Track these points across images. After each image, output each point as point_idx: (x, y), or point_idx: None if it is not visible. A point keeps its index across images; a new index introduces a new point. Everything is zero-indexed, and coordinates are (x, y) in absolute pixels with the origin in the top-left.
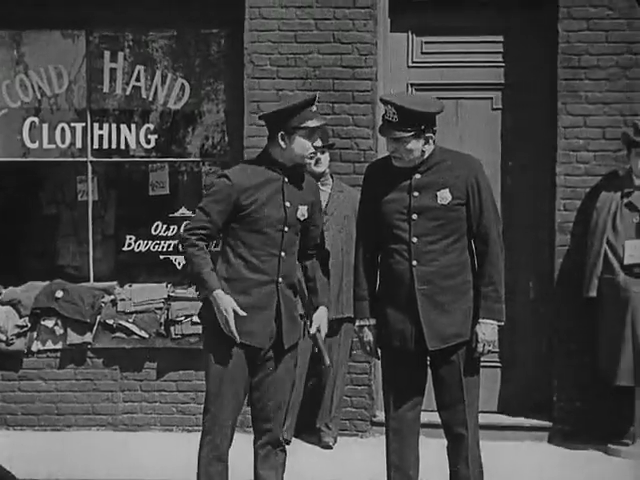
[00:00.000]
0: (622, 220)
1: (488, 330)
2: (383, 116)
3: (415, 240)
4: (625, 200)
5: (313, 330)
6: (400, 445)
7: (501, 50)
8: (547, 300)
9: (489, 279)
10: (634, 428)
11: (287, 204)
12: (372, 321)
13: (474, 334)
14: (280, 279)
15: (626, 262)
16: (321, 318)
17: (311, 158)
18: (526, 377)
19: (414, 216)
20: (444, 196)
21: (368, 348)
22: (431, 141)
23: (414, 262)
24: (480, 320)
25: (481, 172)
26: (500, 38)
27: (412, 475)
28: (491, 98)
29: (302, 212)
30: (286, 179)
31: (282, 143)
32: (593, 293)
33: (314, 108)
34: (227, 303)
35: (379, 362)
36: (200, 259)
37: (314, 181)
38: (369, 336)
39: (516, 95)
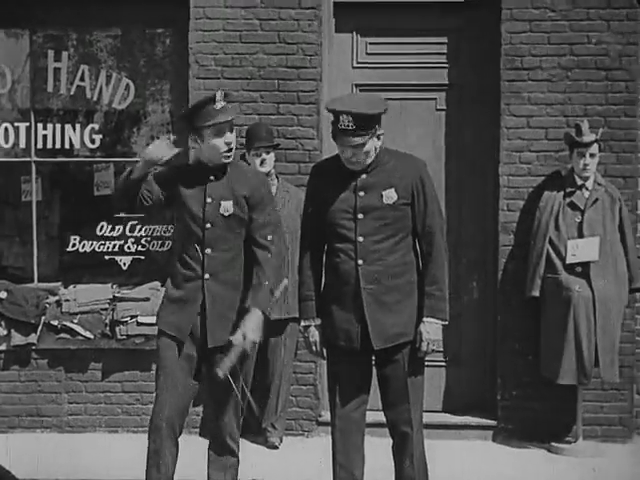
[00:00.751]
0: (564, 219)
1: (432, 329)
2: (335, 124)
3: (361, 239)
4: (567, 200)
5: (236, 336)
6: (346, 444)
7: (445, 51)
8: (491, 299)
9: (433, 279)
10: (577, 426)
11: (208, 200)
12: (317, 321)
13: (418, 333)
14: (207, 275)
15: (568, 261)
16: (247, 322)
17: (228, 153)
18: (470, 376)
19: (360, 215)
20: (390, 195)
21: (314, 348)
22: (382, 137)
23: (360, 261)
24: (424, 319)
25: (425, 172)
26: (444, 39)
27: (357, 474)
28: (435, 99)
29: (225, 207)
30: (212, 177)
31: (194, 144)
32: (536, 292)
33: (218, 105)
34: None
35: (325, 362)
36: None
37: (259, 176)
38: (315, 336)
39: (460, 96)
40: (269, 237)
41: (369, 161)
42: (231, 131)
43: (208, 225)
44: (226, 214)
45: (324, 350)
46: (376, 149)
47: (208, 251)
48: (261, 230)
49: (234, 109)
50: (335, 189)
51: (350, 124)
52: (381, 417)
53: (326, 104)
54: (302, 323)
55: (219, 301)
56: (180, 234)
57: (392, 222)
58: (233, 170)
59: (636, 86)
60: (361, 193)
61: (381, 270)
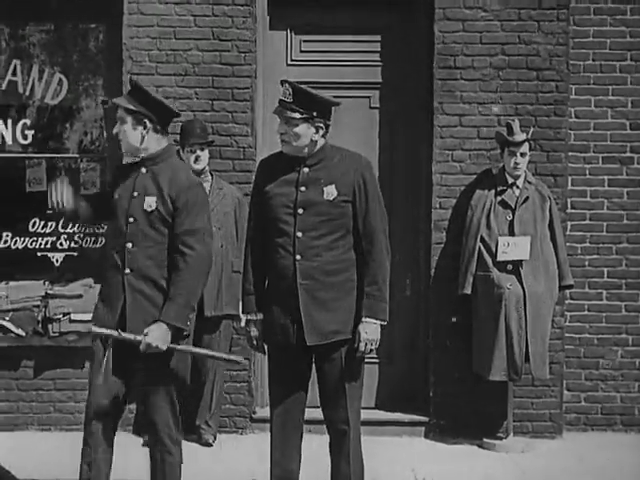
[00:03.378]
0: (495, 217)
1: (371, 329)
2: (280, 99)
3: (300, 235)
4: (498, 198)
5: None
6: (283, 441)
7: (378, 49)
8: (424, 297)
9: (373, 278)
10: (507, 422)
11: (135, 194)
12: (259, 316)
13: (357, 333)
14: (127, 270)
15: (499, 259)
16: (149, 332)
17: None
18: (403, 373)
19: (300, 210)
20: (330, 191)
21: (254, 342)
22: (321, 132)
23: (298, 257)
24: (363, 319)
25: (369, 171)
26: (377, 38)
27: (293, 471)
28: (369, 97)
29: (149, 203)
30: (143, 170)
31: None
32: (468, 290)
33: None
34: None
35: (259, 358)
36: None
37: (190, 179)
38: (255, 331)
39: (393, 94)
40: (192, 245)
41: (302, 149)
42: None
43: (131, 219)
44: (149, 209)
45: (265, 346)
46: (313, 142)
47: (129, 246)
48: (183, 237)
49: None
50: (278, 184)
51: (289, 97)
52: (319, 414)
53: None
54: (244, 317)
55: (139, 297)
56: (109, 228)
57: (332, 219)
58: (166, 167)
59: (566, 86)
60: (302, 188)
61: (318, 266)
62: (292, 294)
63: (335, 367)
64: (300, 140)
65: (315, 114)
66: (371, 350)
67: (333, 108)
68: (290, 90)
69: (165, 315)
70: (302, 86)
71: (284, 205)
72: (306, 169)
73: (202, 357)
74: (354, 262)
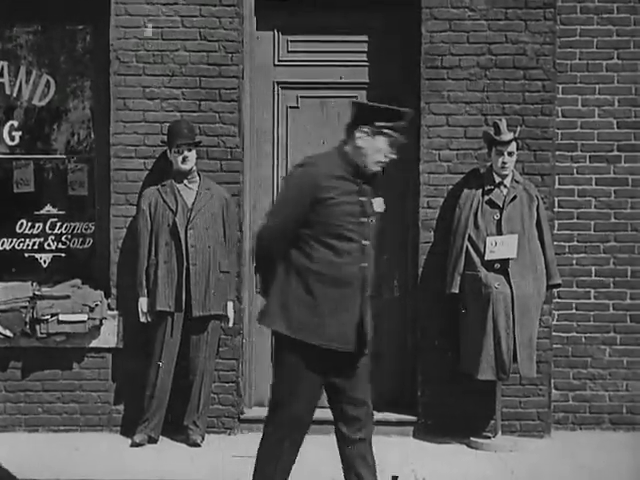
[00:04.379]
0: (483, 217)
1: None
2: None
3: (367, 243)
4: (486, 197)
5: None
6: (297, 443)
7: (365, 49)
8: (411, 296)
9: None
10: (495, 421)
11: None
12: None
13: None
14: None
15: (487, 258)
16: None
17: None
18: (391, 372)
19: (368, 219)
20: (379, 204)
21: None
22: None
23: (365, 264)
24: None
25: None
26: (364, 38)
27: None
28: (356, 97)
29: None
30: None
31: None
32: (455, 289)
33: None
34: None
35: (247, 359)
36: None
37: None
38: None
39: (380, 94)
40: None
41: None
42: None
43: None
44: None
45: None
46: None
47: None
48: None
49: None
50: (341, 192)
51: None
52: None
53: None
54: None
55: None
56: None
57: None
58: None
59: (553, 85)
60: (364, 199)
61: (371, 275)
62: (357, 301)
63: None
64: None
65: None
66: None
67: None
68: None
69: None
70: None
71: (350, 214)
72: (363, 182)
73: None
74: None
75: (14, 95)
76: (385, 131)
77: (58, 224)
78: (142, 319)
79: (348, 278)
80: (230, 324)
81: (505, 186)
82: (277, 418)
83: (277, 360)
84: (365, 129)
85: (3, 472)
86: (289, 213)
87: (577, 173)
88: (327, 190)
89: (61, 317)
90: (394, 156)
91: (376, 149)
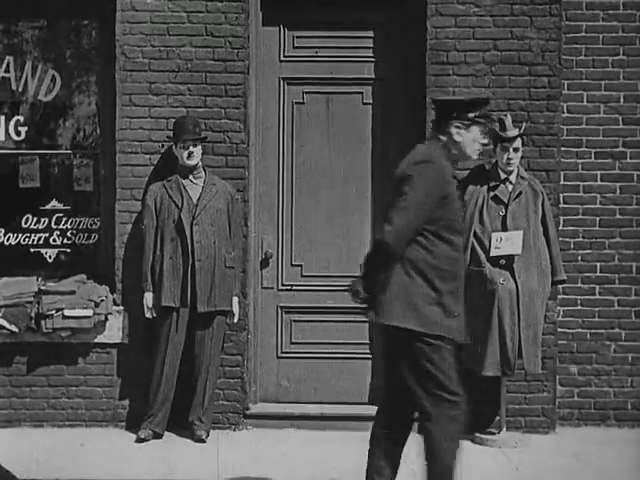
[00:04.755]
0: (488, 213)
1: None
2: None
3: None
4: (491, 193)
5: None
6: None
7: (371, 45)
8: None
9: None
10: (500, 417)
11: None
12: None
13: None
14: None
15: (492, 254)
16: None
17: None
18: None
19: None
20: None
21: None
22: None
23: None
24: None
25: None
26: (370, 34)
27: None
28: (361, 93)
29: None
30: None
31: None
32: None
33: None
34: None
35: (252, 355)
36: None
37: None
38: None
39: (386, 90)
40: None
41: None
42: None
43: None
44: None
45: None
46: None
47: None
48: None
49: None
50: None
51: None
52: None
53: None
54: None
55: None
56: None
57: None
58: None
59: (558, 81)
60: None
61: None
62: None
63: None
64: None
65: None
66: None
67: None
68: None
69: None
70: None
71: (459, 208)
72: None
73: None
74: None
75: (20, 90)
76: (478, 120)
77: (64, 219)
78: (147, 314)
79: (460, 271)
80: (235, 320)
81: (510, 182)
82: (449, 409)
83: (411, 358)
84: (457, 123)
85: (3, 472)
86: (418, 213)
87: (582, 169)
88: (449, 185)
89: (66, 312)
90: (486, 142)
91: (472, 139)
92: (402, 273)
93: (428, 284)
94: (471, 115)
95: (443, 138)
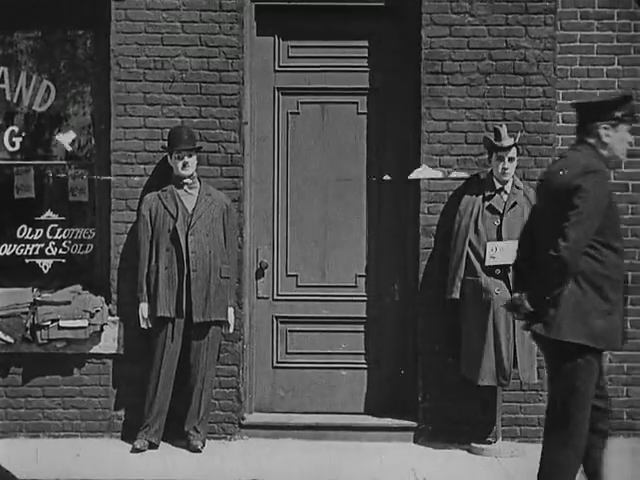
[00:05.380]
0: (484, 222)
1: None
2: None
3: None
4: (486, 203)
5: None
6: None
7: (366, 55)
8: (412, 301)
9: None
10: (496, 427)
11: None
12: None
13: None
14: None
15: (487, 264)
16: None
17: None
18: (391, 378)
19: None
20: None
21: None
22: None
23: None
24: None
25: None
26: (365, 43)
27: None
28: (356, 102)
29: None
30: None
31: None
32: (456, 295)
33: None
34: None
35: (247, 365)
36: None
37: None
38: None
39: (381, 100)
40: None
41: None
42: None
43: None
44: None
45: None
46: None
47: None
48: None
49: None
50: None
51: None
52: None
53: None
54: None
55: None
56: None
57: None
58: None
59: (553, 91)
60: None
61: None
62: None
63: None
64: None
65: None
66: None
67: None
68: None
69: None
70: None
71: (618, 214)
72: None
73: None
74: None
75: (14, 101)
76: (625, 118)
77: (59, 230)
78: (143, 325)
79: (623, 278)
80: (231, 330)
81: (505, 192)
82: (574, 428)
83: (567, 371)
84: (605, 125)
85: (2, 471)
86: (593, 225)
87: None
88: (612, 193)
89: (62, 323)
90: (632, 139)
91: (621, 139)
92: (574, 286)
93: (600, 295)
94: (618, 114)
95: (591, 141)
